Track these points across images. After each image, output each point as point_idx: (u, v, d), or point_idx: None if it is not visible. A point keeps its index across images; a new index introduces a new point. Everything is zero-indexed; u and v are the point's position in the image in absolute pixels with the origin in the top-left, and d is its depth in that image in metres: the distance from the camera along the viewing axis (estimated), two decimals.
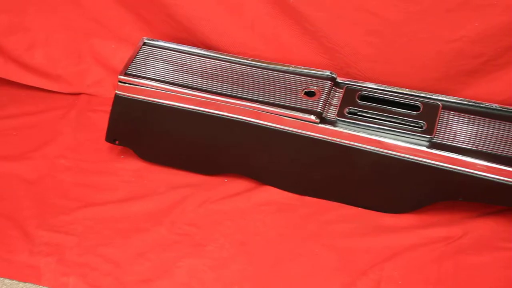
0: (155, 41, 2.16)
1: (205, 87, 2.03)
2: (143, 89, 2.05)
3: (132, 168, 2.16)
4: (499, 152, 1.92)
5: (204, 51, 2.14)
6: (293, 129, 1.98)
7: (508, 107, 2.01)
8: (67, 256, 1.94)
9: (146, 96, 2.05)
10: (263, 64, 2.09)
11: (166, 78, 2.06)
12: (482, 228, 2.00)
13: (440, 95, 2.03)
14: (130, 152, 2.17)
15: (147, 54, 2.13)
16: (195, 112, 2.03)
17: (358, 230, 2.00)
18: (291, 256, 1.95)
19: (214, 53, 2.13)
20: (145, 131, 2.11)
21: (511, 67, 2.02)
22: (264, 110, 1.98)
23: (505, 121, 1.98)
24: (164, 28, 2.23)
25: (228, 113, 2.01)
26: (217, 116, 2.02)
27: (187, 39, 2.21)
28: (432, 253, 1.95)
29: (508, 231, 1.99)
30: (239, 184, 2.11)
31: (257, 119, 2.00)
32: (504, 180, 1.90)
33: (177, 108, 2.04)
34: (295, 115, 1.96)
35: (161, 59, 2.11)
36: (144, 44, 2.16)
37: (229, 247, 1.97)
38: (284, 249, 1.96)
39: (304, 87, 2.03)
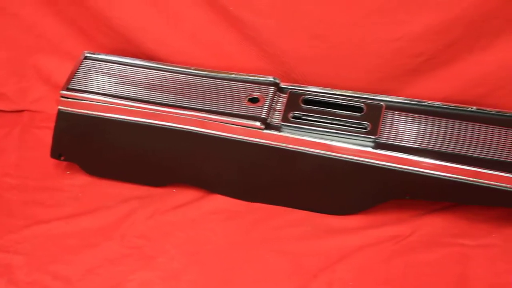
0: (96, 54, 2.15)
1: (148, 98, 2.02)
2: (86, 103, 2.04)
3: (79, 184, 2.14)
4: (442, 149, 1.94)
5: (146, 62, 2.13)
6: (239, 136, 1.98)
7: (450, 104, 2.04)
8: (16, 276, 1.92)
9: (89, 110, 2.04)
10: (206, 73, 2.09)
11: (109, 91, 2.05)
12: (430, 225, 2.02)
13: (383, 95, 2.05)
14: (76, 167, 2.15)
15: (89, 68, 2.11)
16: (139, 124, 2.02)
17: (307, 233, 2.01)
18: (243, 263, 1.95)
19: (157, 63, 2.12)
20: (90, 146, 2.10)
21: (451, 65, 2.05)
22: (208, 119, 1.98)
23: (447, 118, 2.00)
24: (105, 41, 2.22)
25: (173, 123, 2.00)
26: (162, 127, 2.01)
27: (129, 51, 2.20)
28: (382, 252, 1.96)
29: (456, 227, 2.02)
30: (187, 194, 2.10)
31: (202, 128, 1.99)
32: (449, 176, 1.92)
33: (121, 120, 2.03)
34: (240, 122, 1.96)
35: (103, 72, 2.10)
36: (86, 58, 2.14)
37: (180, 257, 1.96)
38: (235, 257, 1.96)
39: (248, 94, 2.03)
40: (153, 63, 2.13)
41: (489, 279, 1.90)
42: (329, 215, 2.05)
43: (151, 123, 2.01)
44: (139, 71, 2.10)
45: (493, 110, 2.02)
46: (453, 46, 2.00)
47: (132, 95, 2.03)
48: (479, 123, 1.99)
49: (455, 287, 1.89)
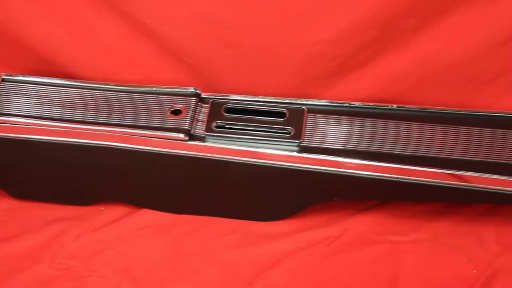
0: (14, 76, 2.11)
1: (70, 117, 2.00)
2: (5, 126, 2.00)
3: (5, 208, 2.10)
4: (366, 148, 1.96)
5: (66, 81, 2.10)
6: (164, 150, 1.97)
7: (371, 103, 2.06)
8: None
9: (10, 133, 2.00)
10: (126, 88, 2.07)
11: (29, 112, 2.01)
12: (359, 224, 2.04)
13: (304, 99, 2.06)
14: (0, 191, 2.11)
15: (7, 90, 2.07)
16: (62, 143, 1.99)
17: (239, 241, 2.01)
18: (176, 276, 1.94)
19: (76, 81, 2.10)
20: (13, 169, 2.06)
21: (369, 65, 2.07)
22: (131, 134, 1.96)
23: (369, 117, 2.02)
24: (23, 62, 2.18)
25: (97, 140, 1.98)
26: (84, 145, 1.99)
27: (48, 71, 2.16)
28: (314, 255, 1.97)
29: (385, 224, 2.04)
30: (116, 211, 2.08)
31: (126, 144, 1.98)
32: (374, 175, 1.94)
33: (44, 141, 1.99)
34: (163, 135, 1.95)
35: (22, 94, 2.07)
36: (3, 80, 2.10)
37: (113, 275, 1.94)
38: (168, 270, 1.95)
39: (169, 106, 2.02)
40: (72, 81, 2.10)
41: (421, 274, 1.93)
42: (260, 222, 2.05)
43: (74, 142, 1.98)
44: (59, 90, 2.08)
45: (413, 106, 2.05)
46: (369, 47, 2.02)
47: (52, 115, 2.00)
48: (401, 120, 2.02)
49: (388, 283, 1.91)
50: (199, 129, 1.98)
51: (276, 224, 2.05)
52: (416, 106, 2.05)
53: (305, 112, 2.02)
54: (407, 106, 2.06)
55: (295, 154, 1.94)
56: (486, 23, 1.97)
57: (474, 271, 1.93)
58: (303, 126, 1.98)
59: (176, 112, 2.01)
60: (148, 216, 2.07)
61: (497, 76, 2.05)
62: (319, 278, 1.93)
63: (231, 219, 2.06)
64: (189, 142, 1.95)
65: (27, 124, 1.99)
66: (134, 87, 2.07)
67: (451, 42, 2.01)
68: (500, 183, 1.91)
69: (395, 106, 2.05)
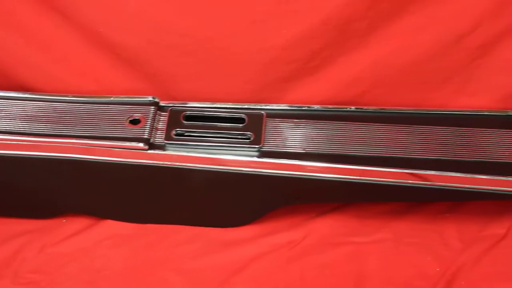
0: None
1: (28, 131, 1.98)
2: None
3: None
4: (326, 151, 1.97)
5: (22, 94, 2.08)
6: (124, 160, 1.96)
7: (329, 106, 2.07)
8: None
9: None
10: (84, 99, 2.06)
11: None
12: (322, 227, 2.05)
13: (263, 104, 2.06)
14: None
15: None
16: (21, 157, 1.97)
17: (203, 249, 2.01)
18: (141, 287, 1.93)
19: (32, 94, 2.08)
20: None
21: (326, 68, 2.08)
22: (91, 145, 1.95)
23: (328, 120, 2.03)
24: None
25: (56, 153, 1.97)
26: (44, 158, 1.97)
27: (4, 84, 2.15)
28: (278, 259, 1.98)
29: (348, 226, 2.05)
30: (78, 223, 2.07)
31: (85, 155, 1.96)
32: (335, 177, 1.95)
33: (1, 156, 1.98)
34: (123, 145, 1.94)
35: None
36: None
37: None
38: (133, 281, 1.94)
39: (128, 116, 2.01)
40: (29, 94, 2.08)
41: (385, 273, 1.94)
42: (223, 228, 2.05)
43: (33, 155, 1.97)
44: (16, 103, 2.06)
45: (371, 108, 2.07)
46: (325, 50, 2.04)
47: (10, 129, 1.99)
48: (359, 122, 2.03)
49: (353, 284, 1.92)
50: (159, 138, 1.98)
51: (239, 230, 2.05)
52: (373, 107, 2.07)
53: (264, 117, 2.02)
54: (365, 107, 2.07)
55: (255, 159, 1.94)
56: (437, 23, 2.00)
57: (438, 269, 1.94)
58: (263, 131, 1.99)
59: (134, 122, 2.00)
60: (111, 227, 2.06)
61: (450, 75, 2.07)
62: (284, 283, 1.93)
63: (194, 227, 2.06)
64: (149, 151, 1.95)
65: None
66: (91, 98, 2.06)
67: (404, 43, 2.03)
68: (459, 180, 1.93)
69: (353, 108, 2.07)
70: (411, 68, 2.06)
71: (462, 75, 2.07)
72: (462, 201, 2.08)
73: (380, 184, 1.95)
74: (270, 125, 2.02)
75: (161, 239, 2.03)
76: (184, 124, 2.01)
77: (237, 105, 2.06)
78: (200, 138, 1.98)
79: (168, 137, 1.97)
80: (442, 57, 2.05)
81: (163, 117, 2.03)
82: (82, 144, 1.95)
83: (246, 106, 2.06)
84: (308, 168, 1.94)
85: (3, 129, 1.99)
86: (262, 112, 2.04)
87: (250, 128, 2.00)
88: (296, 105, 2.07)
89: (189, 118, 2.03)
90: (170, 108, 2.05)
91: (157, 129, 2.00)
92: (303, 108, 2.06)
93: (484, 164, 1.96)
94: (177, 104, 2.06)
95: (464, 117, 2.06)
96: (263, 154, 1.95)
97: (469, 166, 1.95)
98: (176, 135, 1.98)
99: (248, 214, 2.04)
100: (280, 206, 2.03)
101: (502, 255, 1.97)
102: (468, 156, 1.97)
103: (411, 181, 1.94)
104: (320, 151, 1.97)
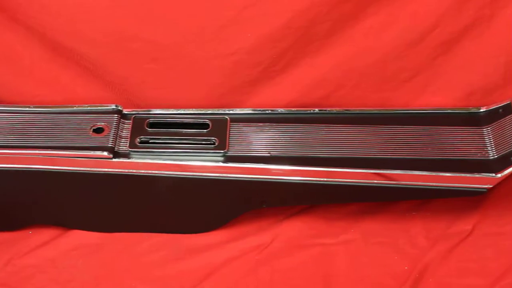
0: None
1: None
2: None
3: None
4: (291, 154, 1.97)
5: None
6: (89, 169, 1.95)
7: (293, 109, 2.08)
8: None
9: None
10: (47, 109, 2.04)
11: None
12: (290, 230, 2.05)
13: (227, 109, 2.06)
14: None
15: None
16: None
17: (171, 256, 2.00)
18: None
19: None
20: None
21: (289, 71, 2.08)
22: (55, 155, 1.94)
23: (292, 123, 2.04)
24: None
25: (20, 164, 1.95)
26: (9, 170, 1.96)
27: None
28: (247, 263, 1.98)
29: (315, 227, 2.05)
30: (44, 234, 2.05)
31: (50, 165, 1.95)
32: (301, 180, 1.96)
33: None
34: (87, 154, 1.93)
35: None
36: None
37: None
38: None
39: (92, 125, 2.00)
40: None
41: (353, 273, 1.95)
42: (191, 234, 2.04)
43: None
44: None
45: (335, 109, 2.08)
46: (288, 53, 2.04)
47: None
48: (324, 123, 2.04)
49: (322, 286, 1.93)
50: (123, 146, 1.97)
51: (207, 236, 2.04)
52: (337, 109, 2.08)
53: (228, 121, 2.02)
54: (329, 109, 2.08)
55: (220, 164, 1.94)
56: (399, 23, 2.01)
57: (406, 267, 1.95)
58: (227, 135, 1.99)
59: (98, 130, 1.99)
60: (78, 237, 2.05)
61: (413, 74, 2.08)
62: (254, 287, 1.93)
63: (162, 234, 2.05)
64: (114, 160, 1.94)
65: None
66: (54, 108, 2.05)
67: (367, 44, 2.04)
68: (424, 178, 1.95)
69: (317, 110, 2.07)
70: (374, 69, 2.07)
71: (425, 73, 2.08)
72: (428, 199, 2.09)
73: (346, 185, 1.96)
74: (234, 129, 2.01)
75: (128, 248, 2.02)
76: (148, 131, 2.00)
77: (201, 110, 2.06)
78: (165, 145, 1.97)
79: (132, 145, 1.97)
80: (405, 57, 2.06)
81: (127, 125, 2.02)
82: (45, 154, 1.94)
83: (210, 112, 2.05)
84: (274, 171, 1.94)
85: None
86: (226, 117, 2.03)
87: (215, 133, 1.99)
88: (260, 109, 2.07)
89: (153, 125, 2.02)
90: (134, 115, 2.04)
91: (121, 137, 1.99)
92: (267, 112, 2.06)
93: (449, 161, 1.97)
94: (141, 112, 2.05)
95: (428, 115, 2.08)
96: (228, 159, 1.95)
97: (434, 164, 1.97)
98: (141, 142, 1.98)
99: (215, 219, 2.04)
100: (247, 210, 2.04)
101: (469, 251, 1.98)
102: (432, 154, 1.99)
103: (376, 181, 1.95)
104: (285, 154, 1.97)
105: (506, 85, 2.07)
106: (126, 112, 2.05)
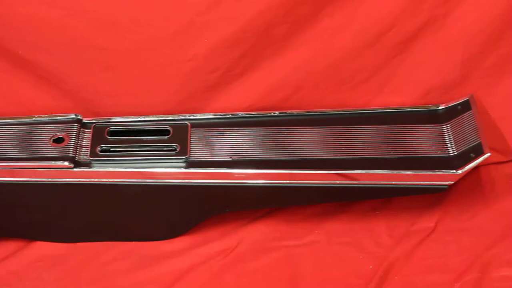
0: None
1: None
2: None
3: None
4: (253, 157, 1.98)
5: None
6: (50, 179, 1.95)
7: (253, 112, 2.08)
8: None
9: None
10: (5, 121, 2.03)
11: None
12: (254, 233, 2.05)
13: (187, 114, 2.06)
14: None
15: None
16: None
17: (136, 264, 2.00)
18: None
19: None
20: None
21: (248, 75, 2.08)
22: (15, 167, 1.93)
23: (253, 126, 2.04)
24: None
25: None
26: None
27: None
28: (212, 268, 1.98)
29: (279, 230, 2.06)
30: (7, 246, 2.04)
31: (11, 177, 1.94)
32: (263, 183, 1.96)
33: None
34: (48, 165, 1.92)
35: None
36: None
37: None
38: None
39: (51, 135, 1.99)
40: None
41: (319, 274, 1.96)
42: (155, 242, 2.04)
43: None
44: None
45: (294, 111, 2.08)
46: (246, 57, 2.04)
47: None
48: (284, 126, 2.04)
49: None
50: (84, 155, 1.96)
51: (172, 242, 2.04)
52: (297, 111, 2.08)
53: (189, 127, 2.02)
54: (289, 111, 2.08)
55: (182, 170, 1.94)
56: (355, 23, 2.02)
57: (371, 266, 1.96)
58: (188, 141, 1.99)
59: (58, 140, 1.98)
60: (42, 248, 2.03)
61: (371, 74, 2.09)
62: None
63: (127, 242, 2.05)
64: (75, 169, 1.93)
65: None
66: (13, 119, 2.03)
67: (325, 45, 2.04)
68: (386, 177, 1.96)
69: (277, 112, 2.08)
70: (332, 70, 2.08)
71: (383, 73, 2.10)
72: (391, 198, 2.10)
73: (309, 186, 1.97)
74: (195, 135, 2.01)
75: (93, 257, 2.01)
76: (108, 139, 2.00)
77: (162, 117, 2.05)
78: (126, 153, 1.97)
79: (93, 153, 1.96)
80: (362, 57, 2.07)
81: (87, 134, 2.01)
82: (6, 166, 1.93)
83: (170, 118, 2.05)
84: (236, 175, 1.94)
85: None
86: (187, 122, 2.03)
87: (176, 139, 1.99)
88: (220, 113, 2.07)
89: (113, 133, 2.02)
90: (94, 124, 2.03)
91: (81, 146, 1.99)
92: (228, 116, 2.07)
93: (410, 159, 1.99)
94: (101, 120, 2.05)
95: (388, 114, 2.09)
96: (190, 165, 1.95)
97: (395, 162, 1.98)
98: (102, 151, 1.97)
99: (180, 225, 2.04)
100: (211, 216, 2.03)
101: (433, 248, 2.00)
102: (394, 153, 2.00)
103: (339, 182, 1.96)
104: (247, 157, 1.97)
105: (463, 82, 2.09)
106: (86, 121, 2.04)
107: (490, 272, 1.92)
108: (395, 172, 1.95)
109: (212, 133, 2.02)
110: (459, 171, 1.94)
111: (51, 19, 1.98)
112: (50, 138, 1.99)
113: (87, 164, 1.95)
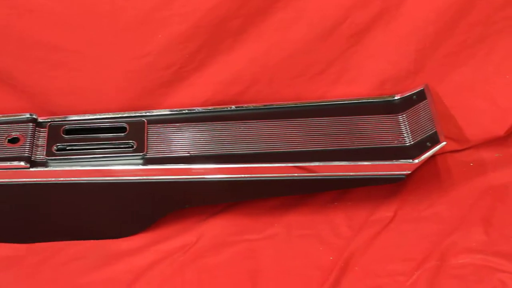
0: None
1: None
2: None
3: None
4: (211, 152, 1.97)
5: None
6: (6, 180, 1.93)
7: (209, 107, 2.08)
8: None
9: None
10: None
11: None
12: (214, 228, 2.05)
13: (143, 111, 2.05)
14: None
15: None
16: None
17: (95, 263, 1.98)
18: None
19: None
20: None
21: (203, 69, 2.07)
22: None
23: (209, 121, 2.04)
24: None
25: None
26: None
27: None
28: (172, 265, 1.97)
29: (239, 224, 2.06)
30: None
31: None
32: (221, 177, 1.96)
33: None
34: (4, 165, 1.90)
35: None
36: None
37: None
38: None
39: (6, 135, 1.97)
40: None
41: (279, 267, 1.96)
42: (115, 239, 2.03)
43: None
44: None
45: (251, 105, 2.08)
46: (201, 52, 2.04)
47: None
48: (241, 120, 2.05)
49: (250, 281, 1.93)
50: (40, 155, 1.95)
51: (131, 239, 2.03)
52: (254, 105, 2.09)
53: (146, 124, 2.01)
54: (246, 105, 2.08)
55: (140, 167, 1.93)
56: (309, 16, 2.02)
57: (331, 258, 1.97)
58: (145, 138, 1.98)
59: (13, 140, 1.96)
60: None
61: (326, 66, 2.10)
62: (182, 287, 1.93)
63: (86, 241, 2.03)
64: (31, 169, 1.92)
65: None
66: None
67: (279, 38, 2.04)
68: (344, 169, 1.97)
69: (233, 107, 2.08)
70: (287, 63, 2.08)
71: (338, 65, 2.10)
72: (350, 189, 2.11)
73: (268, 180, 1.97)
74: (152, 131, 2.01)
75: (52, 257, 1.99)
76: (64, 138, 1.98)
77: (118, 114, 2.04)
78: (83, 151, 1.96)
79: (49, 153, 1.94)
80: (317, 49, 2.07)
81: (43, 133, 2.00)
82: None
83: (126, 115, 2.04)
84: (194, 171, 1.94)
85: None
86: (143, 119, 2.03)
87: (132, 136, 1.99)
88: (177, 109, 2.07)
89: (69, 132, 2.00)
90: (49, 123, 2.02)
91: (37, 146, 1.97)
92: (184, 112, 2.06)
93: (367, 150, 2.00)
94: (56, 119, 2.03)
95: (344, 106, 2.10)
96: (148, 161, 1.94)
97: (353, 154, 1.99)
98: (58, 150, 1.96)
99: (139, 222, 2.03)
100: (170, 211, 2.03)
101: (392, 237, 2.01)
102: (351, 144, 2.01)
103: (297, 174, 1.97)
104: (205, 153, 1.97)
105: (418, 72, 2.10)
106: (41, 120, 2.03)
107: (449, 260, 1.94)
108: (352, 163, 1.96)
109: (169, 129, 2.02)
110: (416, 161, 1.96)
111: None
112: (5, 139, 1.97)
113: (44, 164, 1.93)
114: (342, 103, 2.10)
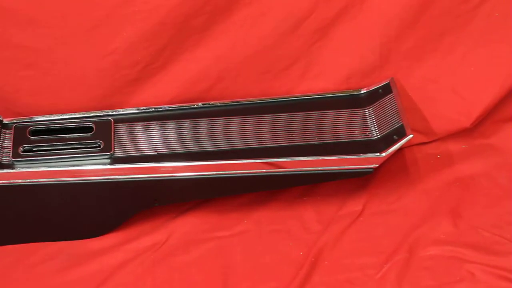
0: None
1: None
2: None
3: None
4: (179, 150, 1.97)
5: None
6: None
7: (176, 105, 2.08)
8: None
9: None
10: None
11: None
12: (184, 226, 2.05)
13: (110, 110, 2.05)
14: None
15: None
16: None
17: (66, 263, 1.97)
18: None
19: None
20: None
21: (169, 67, 2.07)
22: None
23: (177, 119, 2.04)
24: None
25: None
26: None
27: None
28: (143, 264, 1.96)
29: (209, 222, 2.06)
30: None
31: None
32: (190, 175, 1.96)
33: None
34: None
35: None
36: None
37: None
38: None
39: None
40: None
41: (250, 263, 1.96)
42: (85, 240, 2.02)
43: None
44: None
45: (218, 102, 2.09)
46: (166, 49, 2.04)
47: None
48: (208, 117, 2.05)
49: (220, 279, 1.92)
50: (6, 156, 1.93)
51: (101, 239, 2.02)
52: (221, 101, 2.09)
53: (112, 123, 2.01)
54: (212, 102, 2.09)
55: (107, 166, 1.92)
56: (274, 12, 2.03)
57: (301, 253, 1.97)
58: (112, 137, 1.97)
59: None
60: None
61: (293, 61, 2.10)
62: (153, 286, 1.92)
63: (56, 242, 2.02)
64: None
65: None
66: None
67: (244, 35, 2.05)
68: (312, 164, 1.98)
69: (200, 104, 2.08)
70: (253, 59, 2.08)
71: (304, 60, 2.11)
72: (318, 183, 2.12)
73: (236, 176, 1.97)
74: (119, 130, 2.00)
75: (20, 259, 1.98)
76: (31, 139, 1.97)
77: (84, 114, 2.04)
78: (49, 152, 1.95)
79: (15, 154, 1.93)
80: (283, 44, 2.08)
81: (8, 135, 1.98)
82: None
83: (93, 114, 2.04)
84: (162, 169, 1.94)
85: None
86: (110, 118, 2.02)
87: (99, 135, 1.98)
88: (143, 107, 2.06)
89: (35, 132, 1.99)
90: (15, 124, 2.00)
91: (3, 147, 1.96)
92: (151, 110, 2.06)
93: (335, 144, 2.01)
94: (22, 120, 2.02)
95: (310, 101, 2.11)
96: (115, 161, 1.94)
97: (320, 148, 2.00)
98: (24, 151, 1.94)
99: (108, 222, 2.02)
100: (140, 210, 2.02)
101: (361, 231, 2.02)
102: (318, 139, 2.02)
103: (265, 170, 1.97)
104: (172, 151, 1.97)
105: (383, 66, 2.12)
106: (6, 122, 2.01)
107: (418, 252, 1.95)
108: (320, 158, 1.97)
109: (136, 128, 2.01)
110: (383, 154, 1.97)
111: None
112: None
113: (10, 165, 1.92)
114: (309, 98, 2.11)
